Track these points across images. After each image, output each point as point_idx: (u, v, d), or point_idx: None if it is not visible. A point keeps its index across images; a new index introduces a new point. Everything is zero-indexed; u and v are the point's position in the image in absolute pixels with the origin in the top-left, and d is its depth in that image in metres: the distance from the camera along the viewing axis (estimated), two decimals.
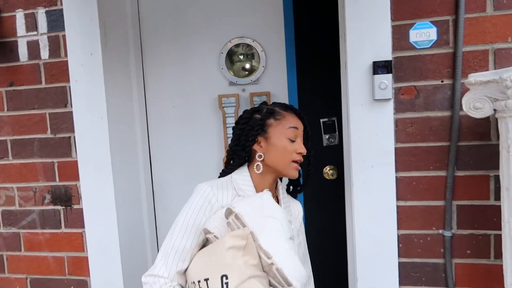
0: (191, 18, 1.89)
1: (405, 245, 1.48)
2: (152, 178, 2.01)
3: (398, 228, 1.47)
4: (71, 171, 1.75)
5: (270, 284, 1.01)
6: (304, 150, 1.15)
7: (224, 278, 0.96)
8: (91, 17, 1.66)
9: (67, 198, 1.76)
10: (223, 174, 1.22)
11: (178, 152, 1.97)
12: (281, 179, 1.27)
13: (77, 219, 1.76)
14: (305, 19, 1.79)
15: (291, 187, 1.30)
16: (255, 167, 1.16)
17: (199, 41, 1.89)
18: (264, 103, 1.23)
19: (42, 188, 1.79)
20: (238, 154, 1.19)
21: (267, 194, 1.08)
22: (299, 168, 1.16)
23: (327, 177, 1.80)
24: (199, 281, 1.01)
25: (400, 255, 1.48)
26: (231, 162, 1.22)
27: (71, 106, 1.71)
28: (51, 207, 1.79)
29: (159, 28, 1.92)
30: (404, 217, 1.47)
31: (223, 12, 1.86)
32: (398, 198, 1.47)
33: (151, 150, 1.99)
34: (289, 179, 1.28)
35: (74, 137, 1.72)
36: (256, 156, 1.16)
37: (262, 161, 1.15)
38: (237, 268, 0.95)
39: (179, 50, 1.92)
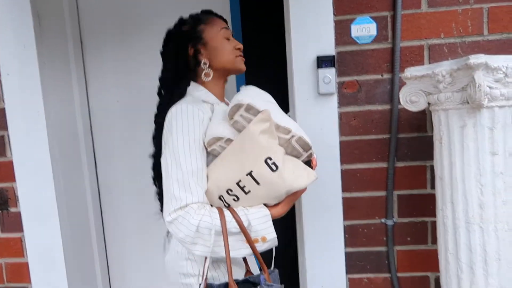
0: (133, 11, 1.82)
1: (350, 235, 1.53)
2: (98, 177, 1.93)
3: (344, 219, 1.52)
4: (6, 172, 1.63)
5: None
6: (241, 45, 1.20)
7: (268, 160, 0.95)
8: (22, 7, 1.55)
9: (3, 201, 1.65)
10: (170, 103, 1.09)
11: (124, 149, 1.90)
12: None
13: (15, 223, 1.65)
14: (252, 11, 1.78)
15: None
16: (203, 76, 1.14)
17: (142, 36, 1.82)
18: (181, 17, 1.21)
19: None
20: (179, 71, 1.13)
21: (250, 87, 1.10)
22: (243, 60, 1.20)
23: None
24: (238, 182, 0.97)
25: (346, 245, 1.53)
26: (177, 86, 1.13)
27: (3, 102, 1.60)
28: None
29: (99, 20, 1.84)
30: (349, 208, 1.52)
31: (166, 6, 1.81)
32: (343, 190, 1.51)
33: (95, 147, 1.91)
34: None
35: (8, 135, 1.61)
36: (202, 64, 1.14)
37: (209, 67, 1.15)
38: (275, 147, 0.97)
39: (122, 42, 1.85)
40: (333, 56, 1.45)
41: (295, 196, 1.03)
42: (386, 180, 1.49)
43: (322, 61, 1.46)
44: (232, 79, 1.84)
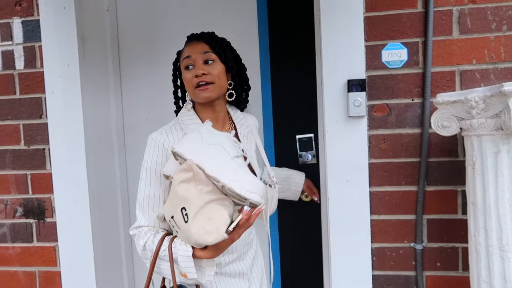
0: (166, 33, 1.90)
1: (378, 258, 1.52)
2: (128, 192, 1.99)
3: (372, 242, 1.51)
4: (45, 183, 1.71)
5: (236, 204, 1.05)
6: (198, 71, 1.14)
7: (183, 210, 1.01)
8: (68, 29, 1.66)
9: (40, 211, 1.73)
10: None
11: None
12: (232, 102, 1.32)
13: (50, 233, 1.72)
14: (281, 31, 1.81)
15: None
16: (186, 106, 1.25)
17: (173, 56, 1.90)
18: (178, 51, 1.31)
19: (14, 201, 1.74)
20: (175, 100, 1.31)
21: (205, 125, 1.11)
22: (206, 88, 1.15)
23: (302, 199, 1.73)
24: (169, 220, 1.07)
25: (373, 268, 1.52)
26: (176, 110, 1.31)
27: (46, 118, 1.69)
28: (23, 220, 1.74)
29: (136, 42, 1.92)
30: (377, 231, 1.51)
31: (198, 26, 1.88)
32: (371, 212, 1.51)
33: (127, 163, 1.97)
34: (234, 101, 1.32)
35: (49, 149, 1.69)
36: (186, 95, 1.25)
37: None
38: (192, 198, 1.00)
39: (154, 64, 1.93)
40: (364, 80, 1.48)
41: (215, 246, 1.03)
42: (415, 203, 1.48)
43: (353, 85, 1.49)
44: (258, 104, 1.86)
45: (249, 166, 1.21)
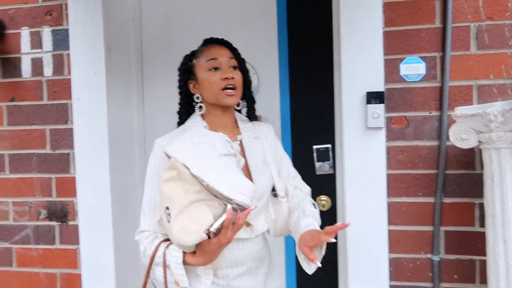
0: (187, 42, 1.94)
1: (395, 269, 1.54)
2: None
3: (389, 252, 1.53)
4: (69, 187, 1.76)
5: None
6: (229, 74, 1.14)
7: (166, 209, 0.99)
8: (96, 39, 1.72)
9: (63, 214, 1.77)
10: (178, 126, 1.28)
11: None
12: (239, 110, 1.30)
13: (72, 236, 1.76)
14: (300, 44, 1.84)
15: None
16: (198, 109, 1.22)
17: None
18: (186, 54, 1.29)
19: (38, 204, 1.79)
20: (182, 105, 1.27)
21: (199, 126, 1.12)
22: (233, 93, 1.15)
23: (320, 208, 1.71)
24: (160, 224, 1.09)
25: (391, 278, 1.53)
26: (180, 117, 1.29)
27: (72, 123, 1.75)
28: (46, 222, 1.79)
29: (158, 52, 1.98)
30: (395, 241, 1.53)
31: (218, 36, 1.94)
32: (389, 223, 1.53)
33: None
34: (247, 110, 1.31)
35: (73, 154, 1.75)
36: (195, 98, 1.22)
37: (203, 102, 1.21)
38: (175, 197, 0.97)
39: (175, 73, 1.97)
40: (382, 93, 1.51)
41: (202, 250, 0.99)
42: (432, 215, 1.50)
43: (372, 97, 1.52)
44: (276, 115, 1.90)
45: (247, 168, 1.17)
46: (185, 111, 1.27)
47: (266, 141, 1.28)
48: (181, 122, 1.27)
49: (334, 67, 1.73)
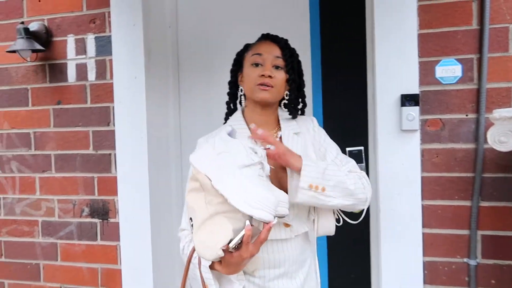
0: (222, 47, 2.01)
1: (430, 272, 1.53)
2: (183, 198, 2.09)
3: (424, 255, 1.53)
4: (110, 186, 1.85)
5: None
6: (266, 72, 1.14)
7: (190, 220, 0.98)
8: (137, 44, 1.81)
9: (104, 211, 1.87)
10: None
11: None
12: (284, 105, 1.25)
13: (113, 233, 1.85)
14: (333, 46, 1.87)
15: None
16: (242, 103, 1.24)
17: (228, 68, 2.01)
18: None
19: (81, 201, 1.90)
20: (229, 95, 1.29)
21: (224, 131, 1.06)
22: (267, 88, 1.15)
23: (354, 211, 1.76)
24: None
25: (425, 281, 1.53)
26: (228, 104, 1.30)
27: (114, 125, 1.84)
28: (88, 219, 1.89)
29: (194, 56, 2.05)
30: (429, 244, 1.52)
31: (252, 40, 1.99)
32: (423, 226, 1.53)
33: (182, 170, 2.09)
34: (287, 107, 1.26)
35: (115, 154, 1.84)
36: (239, 91, 1.24)
37: (244, 95, 1.23)
38: (197, 208, 0.95)
39: (210, 76, 2.04)
40: (417, 95, 1.51)
41: (225, 262, 0.95)
42: (469, 218, 1.48)
43: (406, 100, 1.52)
44: (309, 107, 1.91)
45: (283, 168, 1.13)
46: (232, 102, 1.30)
47: (309, 135, 1.25)
48: (228, 112, 1.30)
49: (368, 69, 1.74)
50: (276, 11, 1.92)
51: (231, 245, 0.89)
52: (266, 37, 1.23)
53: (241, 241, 0.90)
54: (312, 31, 1.91)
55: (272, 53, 1.18)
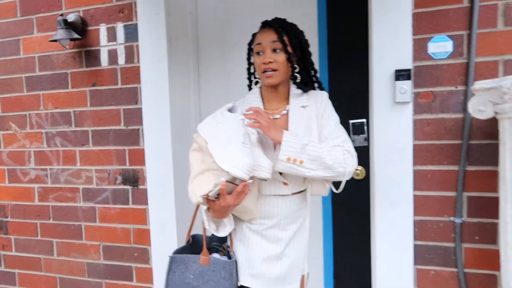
0: (239, 32, 2.20)
1: (420, 230, 1.69)
2: None
3: (414, 215, 1.69)
4: (139, 157, 2.11)
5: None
6: (266, 59, 1.31)
7: (190, 174, 1.22)
8: (159, 31, 2.02)
9: (134, 179, 2.13)
10: None
11: None
12: (295, 82, 1.42)
13: (142, 198, 2.12)
14: (338, 28, 2.01)
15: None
16: (255, 84, 1.49)
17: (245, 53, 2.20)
18: None
19: (115, 171, 2.17)
20: (248, 70, 1.50)
21: (226, 106, 1.27)
22: (271, 74, 1.32)
23: (355, 177, 1.92)
24: None
25: (415, 238, 1.69)
26: (249, 77, 1.51)
27: (141, 104, 2.08)
28: (121, 186, 2.16)
29: (213, 41, 2.25)
30: (419, 205, 1.68)
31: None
32: (415, 188, 1.68)
33: None
34: (297, 83, 1.41)
35: (142, 129, 2.09)
36: (254, 73, 1.46)
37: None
38: (194, 165, 1.21)
39: (228, 60, 2.24)
40: (410, 70, 1.65)
41: (211, 208, 1.20)
42: (456, 181, 1.63)
43: (400, 74, 1.66)
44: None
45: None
46: (250, 83, 1.52)
47: (316, 107, 1.38)
48: (250, 84, 1.51)
49: (369, 48, 1.88)
50: None
51: (211, 194, 1.12)
52: (264, 25, 1.37)
53: (219, 193, 1.12)
54: (319, 13, 2.06)
55: (269, 39, 1.32)
